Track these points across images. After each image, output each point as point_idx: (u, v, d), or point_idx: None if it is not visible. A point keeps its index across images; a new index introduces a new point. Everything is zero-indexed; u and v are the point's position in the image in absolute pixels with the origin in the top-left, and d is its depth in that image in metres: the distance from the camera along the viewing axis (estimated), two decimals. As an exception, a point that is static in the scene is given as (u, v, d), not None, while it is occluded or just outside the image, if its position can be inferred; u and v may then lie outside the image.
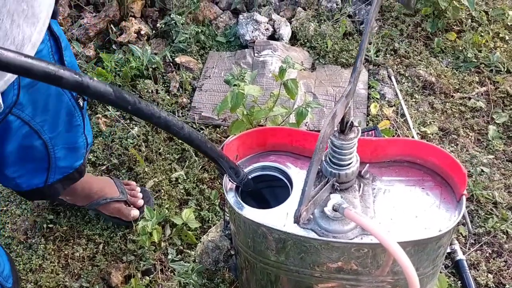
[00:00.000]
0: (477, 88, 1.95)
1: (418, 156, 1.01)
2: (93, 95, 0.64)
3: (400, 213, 0.95)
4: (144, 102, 0.71)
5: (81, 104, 1.17)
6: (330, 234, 0.90)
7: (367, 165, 0.99)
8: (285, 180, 1.04)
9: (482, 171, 1.68)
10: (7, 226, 1.56)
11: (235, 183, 0.98)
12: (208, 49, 2.09)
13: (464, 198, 0.94)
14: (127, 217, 1.53)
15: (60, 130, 1.18)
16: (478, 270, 1.47)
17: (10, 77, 0.86)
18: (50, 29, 1.02)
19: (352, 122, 0.88)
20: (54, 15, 0.97)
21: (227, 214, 1.07)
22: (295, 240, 0.93)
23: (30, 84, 1.04)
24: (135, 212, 1.53)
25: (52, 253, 1.51)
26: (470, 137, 1.80)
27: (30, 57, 0.58)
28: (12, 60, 0.56)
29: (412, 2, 1.08)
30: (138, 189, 1.59)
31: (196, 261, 1.36)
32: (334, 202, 0.88)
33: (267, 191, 1.06)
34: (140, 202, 1.55)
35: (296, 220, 0.81)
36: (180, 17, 2.06)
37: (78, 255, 1.50)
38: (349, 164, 0.92)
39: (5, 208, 1.61)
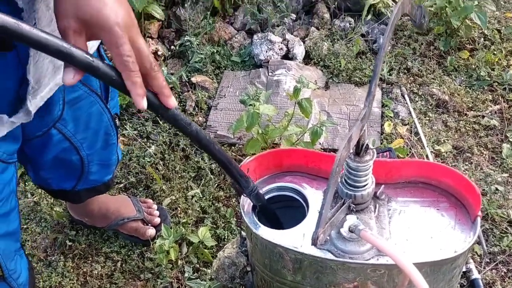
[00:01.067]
0: (491, 106, 1.95)
1: (433, 177, 1.02)
2: (101, 76, 0.67)
3: (415, 234, 0.96)
4: (151, 92, 0.73)
5: (117, 123, 1.21)
6: (346, 255, 0.92)
7: (382, 186, 1.01)
8: (301, 201, 1.06)
9: (497, 189, 1.68)
10: (28, 244, 1.59)
11: (244, 194, 0.98)
12: (223, 68, 2.13)
13: (479, 219, 0.95)
14: (144, 235, 1.55)
15: (97, 148, 1.21)
16: (494, 290, 1.46)
17: (45, 94, 0.90)
18: (99, 52, 1.08)
19: (367, 144, 0.90)
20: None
21: (244, 231, 1.08)
22: (312, 260, 0.94)
23: (74, 101, 1.07)
24: (151, 231, 1.56)
25: (71, 270, 1.53)
26: (484, 155, 1.80)
27: (46, 33, 0.62)
28: (27, 33, 0.60)
29: (425, 24, 1.10)
30: (155, 207, 1.62)
31: (212, 277, 1.37)
32: (350, 223, 0.90)
33: (283, 211, 1.07)
34: (157, 220, 1.58)
35: (314, 242, 0.83)
36: (196, 37, 2.11)
37: (96, 272, 1.53)
38: (364, 185, 0.94)
39: (25, 226, 1.64)
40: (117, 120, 1.20)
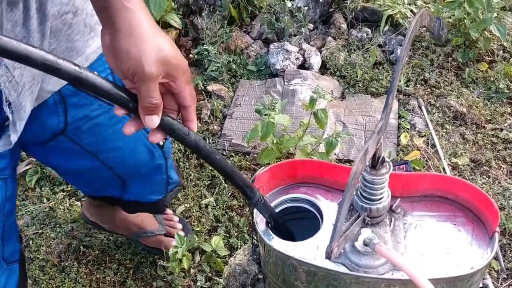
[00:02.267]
0: (510, 119, 1.93)
1: (450, 191, 1.01)
2: (91, 87, 0.62)
3: (431, 249, 0.94)
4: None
5: (161, 142, 1.10)
6: (360, 268, 0.90)
7: (398, 199, 0.99)
8: (316, 212, 1.05)
9: (515, 204, 1.65)
10: (42, 249, 1.60)
11: (250, 204, 0.94)
12: (239, 77, 2.14)
13: (496, 235, 0.93)
14: (167, 248, 1.52)
15: (137, 169, 1.12)
16: (511, 307, 1.44)
17: (26, 113, 0.86)
18: None
19: (383, 157, 0.88)
20: None
21: (255, 239, 1.06)
22: (325, 273, 0.93)
23: (88, 117, 1.01)
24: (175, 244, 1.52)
25: (84, 276, 1.54)
26: (502, 169, 1.77)
27: (30, 45, 0.57)
28: (9, 46, 0.55)
29: (444, 36, 1.09)
30: (177, 219, 1.60)
31: (223, 284, 1.35)
32: (365, 237, 0.89)
33: (297, 222, 1.07)
34: (181, 234, 1.54)
35: (328, 256, 0.82)
36: (213, 46, 2.12)
37: (109, 279, 1.53)
38: (380, 198, 0.93)
39: (40, 231, 1.66)
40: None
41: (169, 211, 1.63)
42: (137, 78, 0.67)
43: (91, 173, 1.12)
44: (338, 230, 0.80)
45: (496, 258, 1.52)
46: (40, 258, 1.59)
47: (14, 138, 0.85)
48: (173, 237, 1.54)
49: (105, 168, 1.10)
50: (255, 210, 1.02)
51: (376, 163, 0.88)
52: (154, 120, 0.69)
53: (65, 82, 0.82)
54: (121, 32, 0.68)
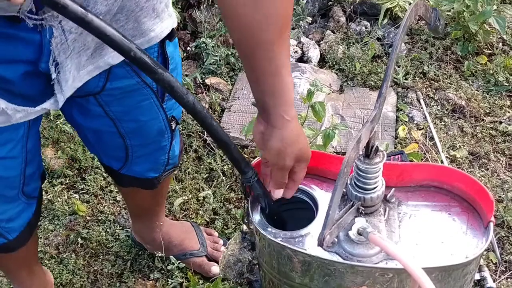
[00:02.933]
0: (509, 112, 1.92)
1: (445, 181, 1.01)
2: (94, 30, 0.71)
3: (426, 239, 0.95)
4: (147, 55, 0.74)
5: (173, 127, 1.15)
6: (354, 258, 0.91)
7: (393, 189, 0.99)
8: (310, 203, 1.05)
9: (514, 196, 1.65)
10: (40, 241, 1.61)
11: (244, 180, 0.94)
12: (238, 71, 2.13)
13: (491, 224, 0.93)
14: (207, 274, 1.47)
15: (145, 144, 1.16)
16: (508, 299, 1.44)
17: (77, 81, 0.93)
18: (163, 48, 1.05)
19: (377, 146, 0.88)
20: (170, 37, 1.03)
21: (246, 224, 1.05)
22: (320, 263, 0.93)
23: (123, 88, 1.04)
24: (215, 269, 1.46)
25: (82, 268, 1.54)
26: (501, 161, 1.77)
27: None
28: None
29: (441, 28, 1.08)
30: (221, 242, 1.53)
31: (221, 275, 1.34)
32: (359, 226, 0.89)
33: (292, 213, 1.07)
34: None
35: (320, 243, 0.82)
36: (211, 40, 2.11)
37: (106, 271, 1.53)
38: (374, 188, 0.93)
39: (38, 223, 1.66)
40: (173, 123, 1.14)
41: (215, 233, 1.56)
42: (276, 167, 0.92)
43: (103, 136, 1.15)
44: (331, 218, 0.80)
45: (490, 249, 1.52)
46: (38, 250, 1.59)
47: (60, 98, 0.91)
48: (215, 261, 1.47)
49: (118, 135, 1.13)
50: (250, 201, 1.02)
51: (369, 152, 0.89)
52: (280, 193, 0.97)
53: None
54: (275, 132, 0.88)
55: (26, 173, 1.06)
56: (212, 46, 2.11)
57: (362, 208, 0.94)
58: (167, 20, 1.00)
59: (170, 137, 1.18)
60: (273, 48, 0.84)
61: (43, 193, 1.73)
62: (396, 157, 1.14)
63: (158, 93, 1.09)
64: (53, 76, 0.87)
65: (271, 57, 0.85)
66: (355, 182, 0.93)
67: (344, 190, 0.96)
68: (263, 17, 0.82)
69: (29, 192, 1.11)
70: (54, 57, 0.85)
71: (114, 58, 0.96)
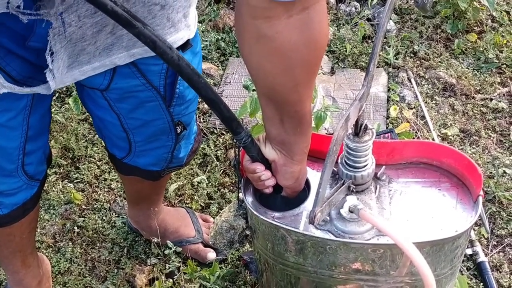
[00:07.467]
0: (499, 89, 1.93)
1: (434, 158, 1.02)
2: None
3: (416, 214, 0.96)
4: (125, 9, 0.70)
5: (179, 131, 1.15)
6: (346, 235, 0.92)
7: (383, 167, 1.01)
8: (303, 183, 1.06)
9: (505, 172, 1.67)
10: (37, 231, 1.61)
11: (237, 142, 0.90)
12: (229, 55, 2.13)
13: (480, 198, 0.94)
14: (204, 259, 1.49)
15: (147, 142, 1.17)
16: (500, 272, 1.46)
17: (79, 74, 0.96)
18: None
19: (366, 125, 0.89)
20: (183, 47, 1.02)
21: (241, 193, 1.05)
22: (313, 241, 0.95)
23: (129, 88, 1.05)
24: (211, 255, 1.48)
25: (80, 256, 1.55)
26: (492, 138, 1.78)
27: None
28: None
29: (428, 6, 1.08)
30: None
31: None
32: (350, 204, 0.90)
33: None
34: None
35: (311, 221, 0.83)
36: (201, 24, 2.11)
37: (104, 258, 1.55)
38: (364, 166, 0.94)
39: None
40: (179, 128, 1.14)
41: (210, 219, 1.57)
42: (290, 190, 1.01)
43: (108, 125, 1.16)
44: (321, 195, 0.82)
45: (478, 222, 1.54)
46: (35, 239, 1.60)
47: (52, 84, 0.91)
48: (211, 247, 1.48)
49: (121, 129, 1.14)
50: (243, 182, 1.03)
51: (359, 130, 0.89)
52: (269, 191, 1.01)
53: (132, 58, 0.98)
54: (295, 165, 0.95)
55: (26, 149, 1.05)
56: (202, 31, 2.10)
57: (353, 186, 0.95)
58: (183, 30, 0.99)
59: (174, 139, 1.18)
60: (301, 95, 0.87)
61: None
62: (386, 135, 1.15)
63: (166, 97, 1.08)
64: (50, 66, 0.87)
65: (299, 100, 0.87)
66: (345, 161, 0.94)
67: (335, 169, 0.97)
68: (293, 84, 0.84)
69: (32, 173, 1.11)
70: (51, 47, 0.85)
71: (120, 59, 0.97)
